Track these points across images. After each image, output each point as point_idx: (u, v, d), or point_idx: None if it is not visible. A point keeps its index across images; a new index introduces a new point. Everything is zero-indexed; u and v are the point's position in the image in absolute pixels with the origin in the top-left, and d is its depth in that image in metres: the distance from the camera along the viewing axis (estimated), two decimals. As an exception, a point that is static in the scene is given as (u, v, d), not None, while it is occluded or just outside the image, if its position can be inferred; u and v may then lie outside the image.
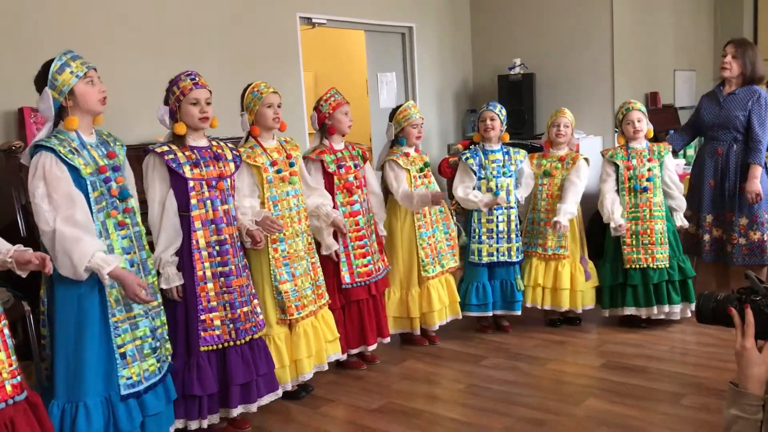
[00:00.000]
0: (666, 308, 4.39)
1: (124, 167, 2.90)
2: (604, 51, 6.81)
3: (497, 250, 4.44)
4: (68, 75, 2.68)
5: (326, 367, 3.76)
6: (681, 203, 4.44)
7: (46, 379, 2.77)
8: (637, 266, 4.36)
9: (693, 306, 4.41)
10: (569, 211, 4.35)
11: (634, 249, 4.37)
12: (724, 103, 4.49)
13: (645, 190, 4.35)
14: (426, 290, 4.30)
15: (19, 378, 2.34)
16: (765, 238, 4.43)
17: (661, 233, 4.34)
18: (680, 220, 4.44)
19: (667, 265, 4.34)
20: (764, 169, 4.48)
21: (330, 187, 3.90)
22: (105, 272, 2.61)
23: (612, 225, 4.35)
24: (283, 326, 3.56)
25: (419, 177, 4.29)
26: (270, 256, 3.50)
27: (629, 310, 4.45)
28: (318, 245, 3.84)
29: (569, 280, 4.48)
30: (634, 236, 4.37)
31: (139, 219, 2.90)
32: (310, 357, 3.64)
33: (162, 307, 2.99)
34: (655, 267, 4.34)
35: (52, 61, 2.70)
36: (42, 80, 2.70)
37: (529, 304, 4.56)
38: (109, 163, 2.80)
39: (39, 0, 4.32)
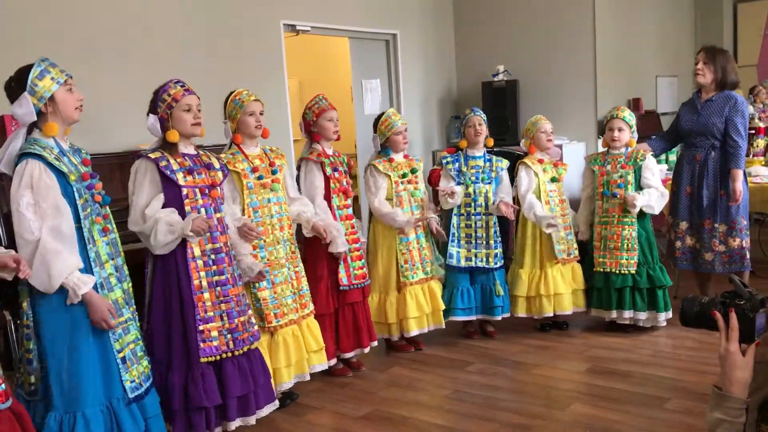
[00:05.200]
0: (627, 314, 4.40)
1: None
2: (587, 57, 6.86)
3: (475, 255, 4.44)
4: (49, 81, 2.65)
5: (308, 378, 3.73)
6: (647, 194, 4.28)
7: (29, 394, 2.70)
8: (602, 269, 4.41)
9: (661, 315, 4.42)
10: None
11: (601, 252, 4.42)
12: (702, 110, 4.48)
13: (614, 195, 4.38)
14: (403, 296, 4.29)
15: (3, 386, 2.31)
16: (744, 245, 4.44)
17: (628, 239, 4.35)
18: (631, 193, 4.28)
19: (633, 272, 4.36)
20: (744, 175, 4.49)
21: (327, 190, 3.91)
22: (81, 292, 2.58)
23: (579, 238, 4.48)
24: (264, 334, 3.53)
25: (401, 182, 4.28)
26: None
27: (596, 312, 4.52)
28: (316, 248, 3.84)
29: (582, 280, 4.56)
30: (602, 240, 4.42)
31: (114, 225, 2.89)
32: (290, 366, 3.60)
33: (137, 313, 2.96)
34: (618, 272, 4.37)
35: (28, 67, 2.66)
36: (18, 86, 2.65)
37: (570, 311, 4.55)
38: (88, 170, 2.79)
39: (21, 8, 4.29)
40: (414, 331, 4.33)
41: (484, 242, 4.44)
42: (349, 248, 3.96)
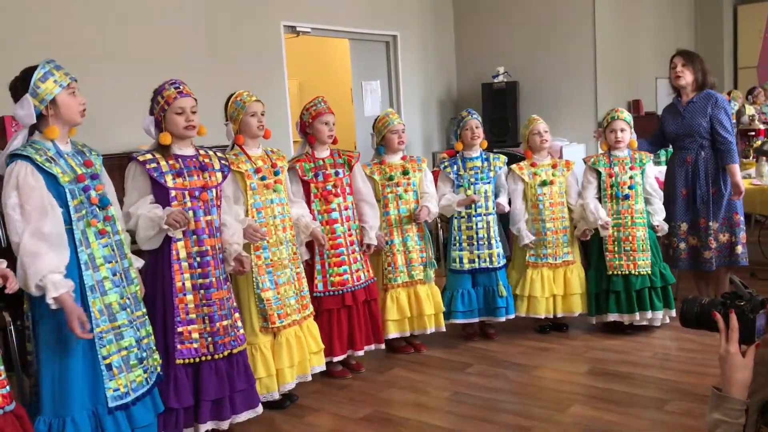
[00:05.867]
0: (648, 314, 4.41)
1: (102, 176, 2.86)
2: (587, 59, 6.87)
3: (478, 257, 4.44)
4: (52, 84, 2.65)
5: (309, 378, 3.74)
6: (658, 209, 4.45)
7: (33, 395, 2.71)
8: (620, 272, 4.40)
9: (673, 312, 4.44)
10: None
11: (616, 255, 4.41)
12: (685, 112, 4.49)
13: (627, 197, 4.38)
14: (384, 299, 4.27)
15: (7, 388, 2.31)
16: (733, 240, 4.47)
17: (642, 240, 4.37)
18: (656, 221, 4.42)
19: (649, 272, 4.38)
20: None
21: (307, 195, 3.90)
22: (50, 296, 2.53)
23: (600, 223, 4.35)
24: (267, 335, 3.54)
25: (388, 185, 4.27)
26: (253, 264, 3.48)
27: (613, 317, 4.48)
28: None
29: (579, 284, 4.53)
30: (616, 243, 4.41)
31: (119, 227, 2.86)
32: (293, 367, 3.60)
33: (146, 317, 2.94)
34: (637, 273, 4.37)
35: (33, 68, 2.66)
36: (22, 87, 2.65)
37: (542, 315, 4.53)
38: (87, 171, 2.76)
39: (21, 8, 4.29)
40: (392, 334, 4.29)
41: (486, 242, 4.44)
42: (327, 254, 3.92)
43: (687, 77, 4.48)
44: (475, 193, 4.40)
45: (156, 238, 3.04)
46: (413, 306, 4.33)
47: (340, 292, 3.95)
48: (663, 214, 4.46)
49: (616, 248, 4.41)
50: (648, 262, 4.37)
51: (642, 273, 4.37)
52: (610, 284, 4.43)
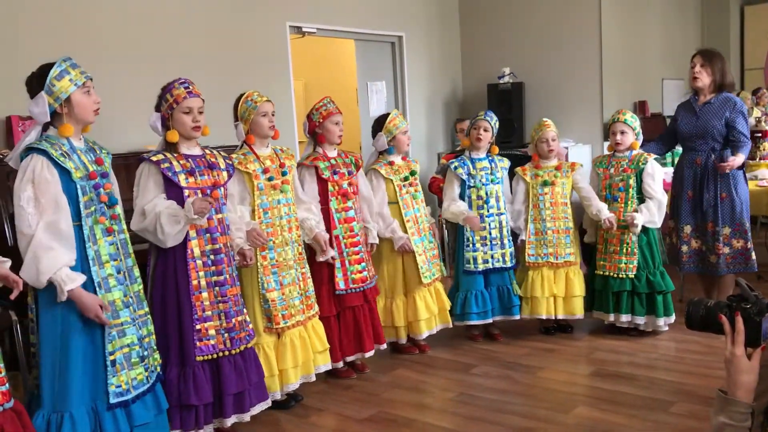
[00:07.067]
0: (625, 317, 4.40)
1: (110, 175, 2.88)
2: (593, 60, 6.85)
3: (492, 257, 4.45)
4: (67, 82, 2.66)
5: (314, 378, 3.74)
6: (645, 209, 4.28)
7: (35, 387, 2.73)
8: (601, 272, 4.44)
9: (660, 320, 4.39)
10: (604, 208, 4.38)
11: (602, 255, 4.45)
12: (701, 113, 4.44)
13: (615, 199, 4.38)
14: (412, 299, 4.29)
15: (7, 386, 2.33)
16: (748, 246, 4.43)
17: (628, 243, 4.34)
18: (638, 219, 4.24)
19: (632, 276, 4.34)
20: (744, 175, 4.50)
21: (324, 194, 3.90)
22: (66, 288, 2.56)
23: (585, 239, 4.49)
24: (271, 335, 3.55)
25: (404, 186, 4.29)
26: (258, 264, 3.49)
27: (597, 314, 4.55)
28: (311, 252, 3.83)
29: (580, 287, 4.52)
30: (604, 243, 4.44)
31: (125, 226, 2.88)
32: (296, 367, 3.61)
33: (149, 316, 2.95)
34: (616, 276, 4.37)
35: (49, 65, 2.67)
36: (37, 84, 2.66)
37: (544, 316, 4.53)
38: (98, 169, 2.78)
39: (28, 8, 4.31)
40: (424, 333, 4.34)
41: (499, 242, 4.45)
42: (347, 252, 3.94)
43: (704, 79, 4.42)
44: (486, 194, 4.42)
45: (181, 233, 3.05)
46: (435, 302, 4.37)
47: (361, 288, 3.98)
48: (650, 216, 4.28)
49: (603, 248, 4.44)
50: (632, 266, 4.34)
51: (621, 276, 4.36)
52: (594, 282, 4.49)
